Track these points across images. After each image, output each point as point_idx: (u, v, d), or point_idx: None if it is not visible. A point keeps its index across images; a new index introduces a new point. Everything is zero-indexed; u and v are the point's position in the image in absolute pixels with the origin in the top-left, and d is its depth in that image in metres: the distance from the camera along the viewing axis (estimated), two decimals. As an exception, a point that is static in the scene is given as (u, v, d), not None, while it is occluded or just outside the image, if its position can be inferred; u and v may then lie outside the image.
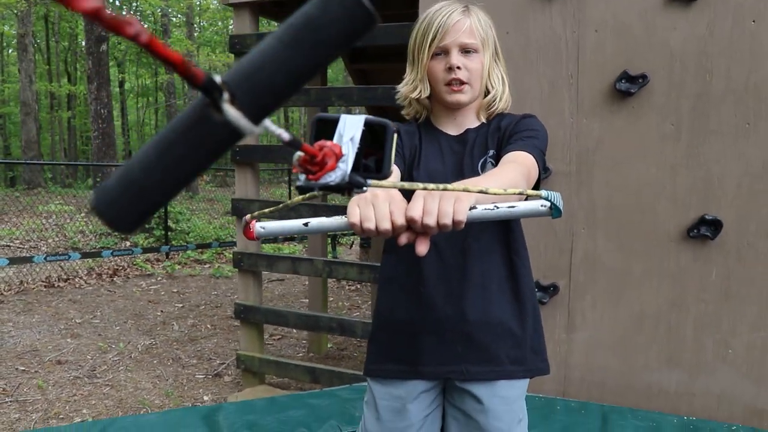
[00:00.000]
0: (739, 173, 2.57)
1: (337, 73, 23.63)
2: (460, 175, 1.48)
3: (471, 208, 0.98)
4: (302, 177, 0.63)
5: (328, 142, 0.63)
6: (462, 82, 1.47)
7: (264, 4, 3.73)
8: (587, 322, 2.82)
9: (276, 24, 4.93)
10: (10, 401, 3.83)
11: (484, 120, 1.55)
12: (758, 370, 2.62)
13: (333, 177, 0.63)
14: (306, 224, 1.02)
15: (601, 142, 2.73)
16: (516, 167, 1.30)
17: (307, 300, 5.44)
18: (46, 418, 3.60)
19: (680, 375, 2.70)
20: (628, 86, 2.62)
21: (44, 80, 26.33)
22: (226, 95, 0.43)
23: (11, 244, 9.45)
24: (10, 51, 30.62)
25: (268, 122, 0.47)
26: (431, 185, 0.85)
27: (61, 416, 3.64)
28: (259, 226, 1.05)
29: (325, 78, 5.04)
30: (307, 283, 5.80)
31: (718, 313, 2.64)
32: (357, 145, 0.66)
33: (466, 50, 1.46)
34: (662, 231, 2.68)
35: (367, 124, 0.69)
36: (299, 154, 0.62)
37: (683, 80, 2.61)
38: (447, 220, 0.96)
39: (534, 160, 1.37)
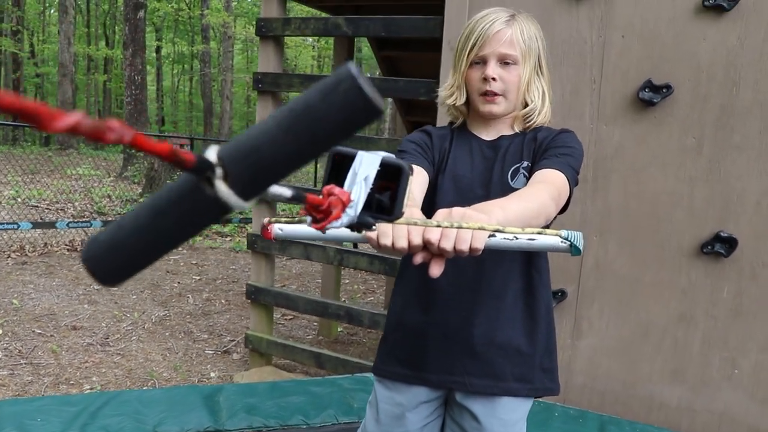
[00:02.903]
0: (760, 191, 2.51)
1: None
2: (488, 182, 1.46)
3: (490, 236, 0.97)
4: (308, 219, 0.63)
5: (337, 190, 0.63)
6: (496, 94, 1.44)
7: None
8: (593, 330, 2.79)
9: (305, 7, 4.91)
10: (25, 363, 3.92)
11: (518, 131, 1.51)
12: (764, 391, 2.57)
13: (338, 224, 0.63)
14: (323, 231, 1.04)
15: (620, 150, 2.68)
16: (546, 188, 1.27)
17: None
18: (57, 383, 3.68)
19: (683, 390, 2.67)
20: (652, 96, 2.57)
21: (83, 43, 26.68)
22: (219, 171, 0.43)
23: (39, 204, 9.62)
24: (51, 11, 30.99)
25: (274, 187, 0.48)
26: (446, 222, 0.89)
27: (71, 382, 3.72)
28: (278, 228, 1.08)
29: (352, 57, 5.00)
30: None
31: (726, 330, 2.60)
32: (370, 185, 0.66)
33: (504, 61, 1.43)
34: (675, 244, 2.64)
35: (383, 164, 0.68)
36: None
37: (709, 92, 2.54)
38: (464, 246, 0.96)
39: (565, 179, 1.34)
